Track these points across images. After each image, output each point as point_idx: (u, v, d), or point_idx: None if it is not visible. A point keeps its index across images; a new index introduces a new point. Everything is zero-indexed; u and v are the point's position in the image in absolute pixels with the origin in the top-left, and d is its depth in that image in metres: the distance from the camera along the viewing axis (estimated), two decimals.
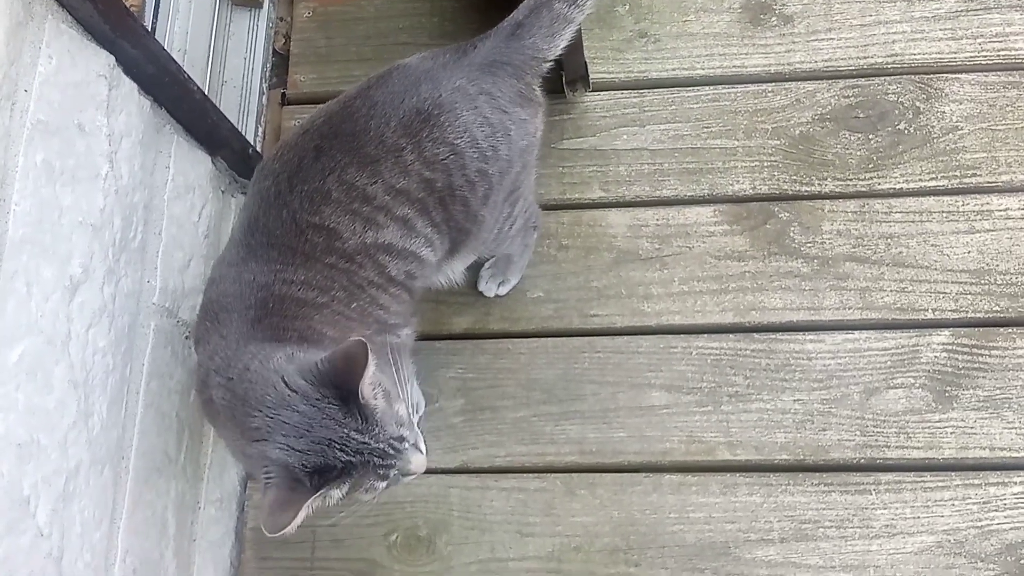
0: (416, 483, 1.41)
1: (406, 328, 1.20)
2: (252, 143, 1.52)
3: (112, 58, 1.11)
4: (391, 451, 0.95)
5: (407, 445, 0.96)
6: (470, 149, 1.14)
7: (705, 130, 1.56)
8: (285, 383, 0.95)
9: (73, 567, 1.02)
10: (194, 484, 1.32)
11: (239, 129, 1.46)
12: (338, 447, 0.93)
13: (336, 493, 0.94)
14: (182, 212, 1.30)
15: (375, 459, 0.94)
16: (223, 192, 1.43)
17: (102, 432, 1.08)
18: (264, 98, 1.63)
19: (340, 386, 0.93)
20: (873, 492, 1.36)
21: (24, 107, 0.95)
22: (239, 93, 1.58)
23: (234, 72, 1.59)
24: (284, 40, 1.68)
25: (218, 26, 1.57)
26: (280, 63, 1.67)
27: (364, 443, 0.93)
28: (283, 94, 1.65)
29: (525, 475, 1.42)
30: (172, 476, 1.25)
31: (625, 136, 1.57)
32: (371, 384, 0.94)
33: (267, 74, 1.65)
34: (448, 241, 1.20)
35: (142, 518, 1.18)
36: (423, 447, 0.99)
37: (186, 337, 1.27)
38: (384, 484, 0.96)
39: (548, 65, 1.24)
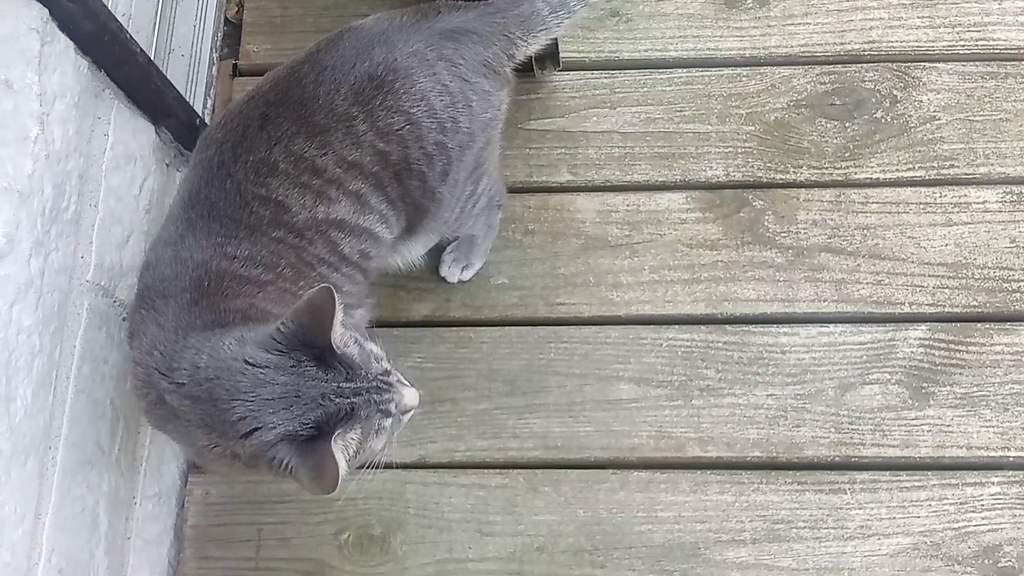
0: (370, 478, 1.34)
1: (359, 309, 1.13)
2: (200, 114, 1.42)
3: (46, 11, 1.02)
4: (384, 386, 0.91)
5: (395, 379, 0.93)
6: (427, 119, 1.07)
7: (678, 114, 1.51)
8: (250, 363, 0.87)
9: None
10: (129, 478, 1.23)
11: (186, 99, 1.36)
12: (333, 398, 0.88)
13: (352, 438, 0.89)
14: (121, 184, 1.20)
15: (373, 397, 0.90)
16: (167, 165, 1.33)
17: (26, 419, 0.99)
18: (214, 68, 1.54)
19: (310, 344, 0.88)
20: (848, 491, 1.31)
21: None
22: (187, 62, 1.49)
23: (182, 40, 1.49)
24: (237, 8, 1.59)
25: None
26: (232, 32, 1.58)
27: (356, 388, 0.89)
28: (235, 64, 1.56)
29: (486, 471, 1.35)
30: (105, 468, 1.16)
31: (595, 118, 1.51)
32: (341, 332, 0.88)
33: (218, 43, 1.56)
34: (404, 219, 1.13)
35: (70, 514, 1.08)
36: (407, 381, 0.96)
37: (123, 319, 1.17)
38: (389, 422, 0.92)
39: (520, 53, 1.18)
